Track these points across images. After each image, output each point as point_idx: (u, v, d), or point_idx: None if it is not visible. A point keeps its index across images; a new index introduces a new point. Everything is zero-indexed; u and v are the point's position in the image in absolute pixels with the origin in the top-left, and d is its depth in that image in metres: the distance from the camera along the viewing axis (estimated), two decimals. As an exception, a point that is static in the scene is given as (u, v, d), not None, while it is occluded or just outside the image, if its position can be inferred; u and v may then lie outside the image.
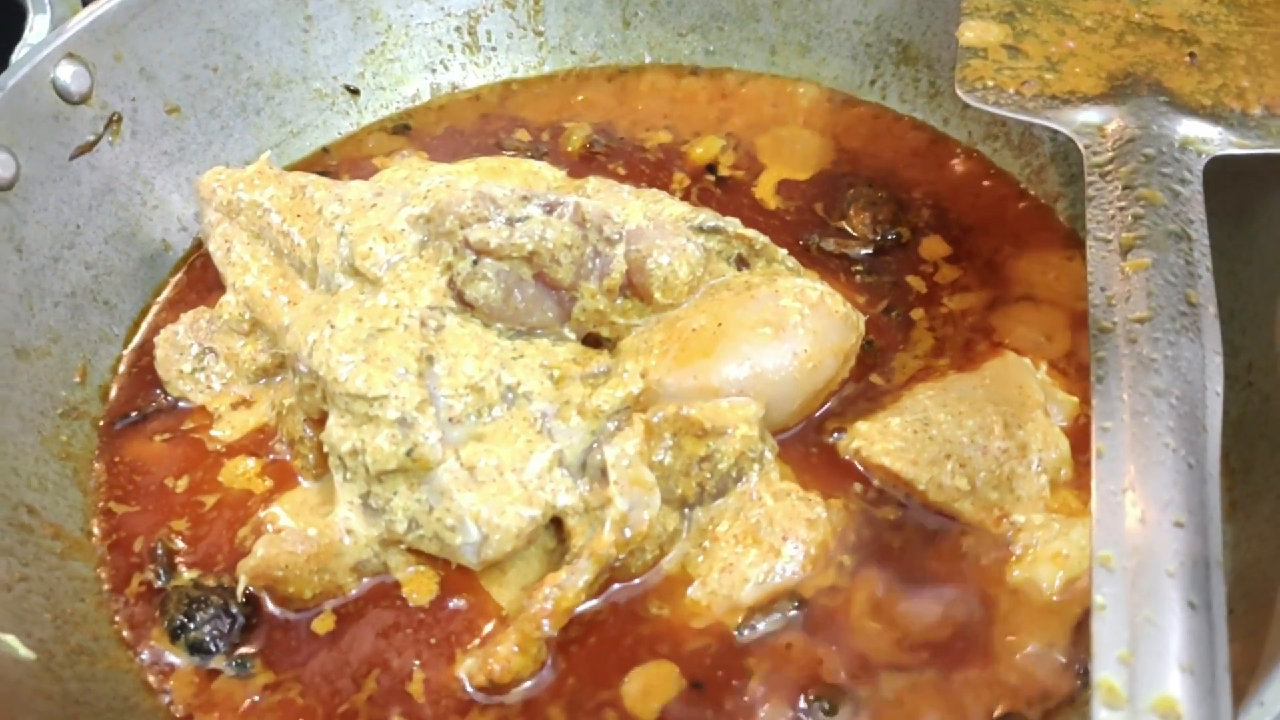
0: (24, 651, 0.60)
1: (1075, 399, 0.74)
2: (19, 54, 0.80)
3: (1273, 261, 0.70)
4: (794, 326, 0.71)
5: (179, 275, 0.86)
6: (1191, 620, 0.48)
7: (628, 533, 0.64)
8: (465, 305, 0.70)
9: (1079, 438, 0.71)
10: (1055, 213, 0.85)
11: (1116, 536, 0.50)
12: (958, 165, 0.90)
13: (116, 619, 0.67)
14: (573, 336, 0.72)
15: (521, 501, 0.65)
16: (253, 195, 0.78)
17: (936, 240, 0.83)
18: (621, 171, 0.90)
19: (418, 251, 0.71)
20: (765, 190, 0.87)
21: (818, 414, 0.74)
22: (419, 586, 0.68)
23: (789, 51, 0.97)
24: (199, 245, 0.85)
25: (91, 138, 0.82)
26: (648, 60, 0.99)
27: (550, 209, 0.71)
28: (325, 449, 0.68)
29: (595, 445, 0.67)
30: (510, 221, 0.70)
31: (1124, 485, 0.52)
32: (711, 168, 0.90)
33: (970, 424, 0.71)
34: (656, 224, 0.74)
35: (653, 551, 0.67)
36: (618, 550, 0.64)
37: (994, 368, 0.75)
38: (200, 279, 0.85)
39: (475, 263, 0.70)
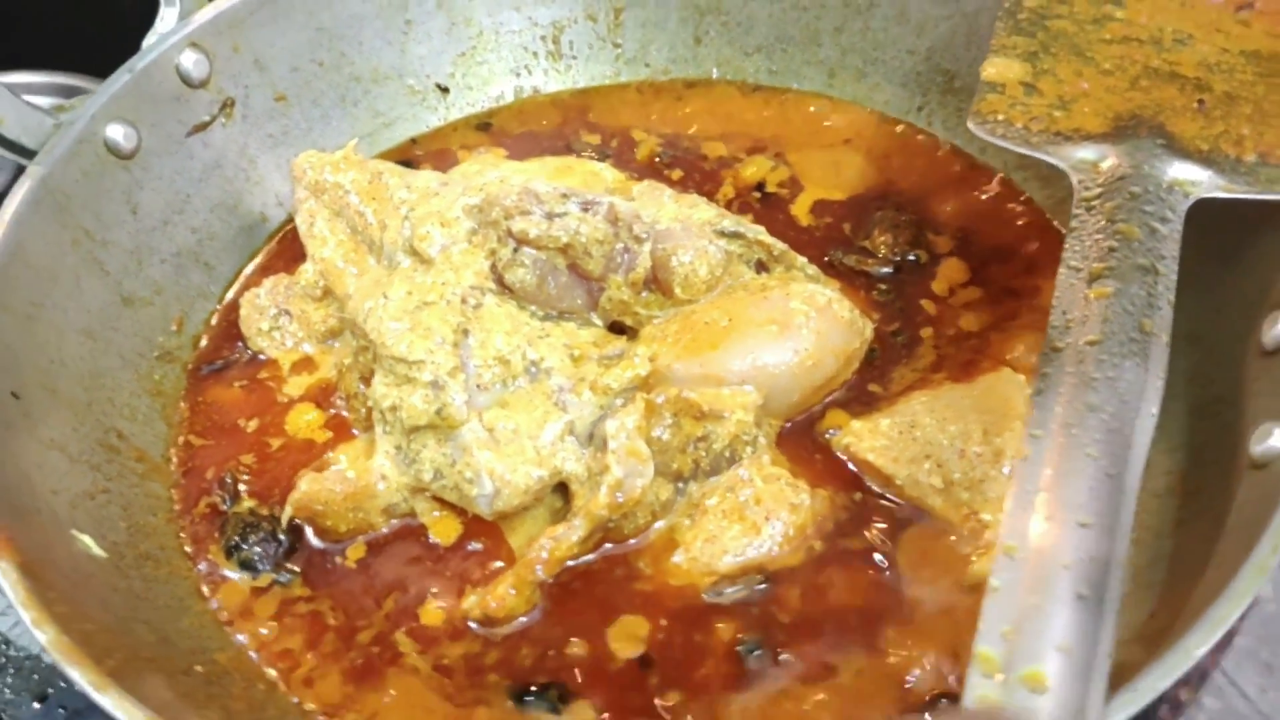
0: (98, 551, 0.70)
1: None
2: (149, 41, 0.91)
3: (1253, 300, 0.74)
4: (798, 326, 0.78)
5: (271, 244, 0.96)
6: (1078, 609, 0.53)
7: (620, 497, 0.72)
8: (504, 288, 0.79)
9: None
10: (1075, 243, 0.90)
11: (1021, 530, 0.56)
12: (988, 193, 0.94)
13: (181, 534, 0.78)
14: (599, 323, 0.80)
15: (533, 463, 0.74)
16: (336, 178, 0.88)
17: (956, 264, 0.89)
18: (676, 178, 0.97)
19: (468, 237, 0.80)
20: (801, 208, 0.94)
21: (818, 409, 0.80)
22: (442, 530, 0.77)
23: (846, 75, 1.03)
24: (290, 219, 0.95)
25: (207, 118, 0.93)
26: (715, 76, 1.07)
27: (586, 207, 0.79)
28: (369, 404, 0.77)
29: (602, 419, 0.75)
30: (549, 216, 0.78)
31: (1039, 486, 0.58)
32: (760, 185, 0.96)
33: (952, 429, 0.76)
34: (684, 226, 0.82)
35: (645, 517, 0.74)
36: (610, 512, 0.72)
37: (986, 381, 0.81)
38: (288, 249, 0.95)
39: (515, 250, 0.78)
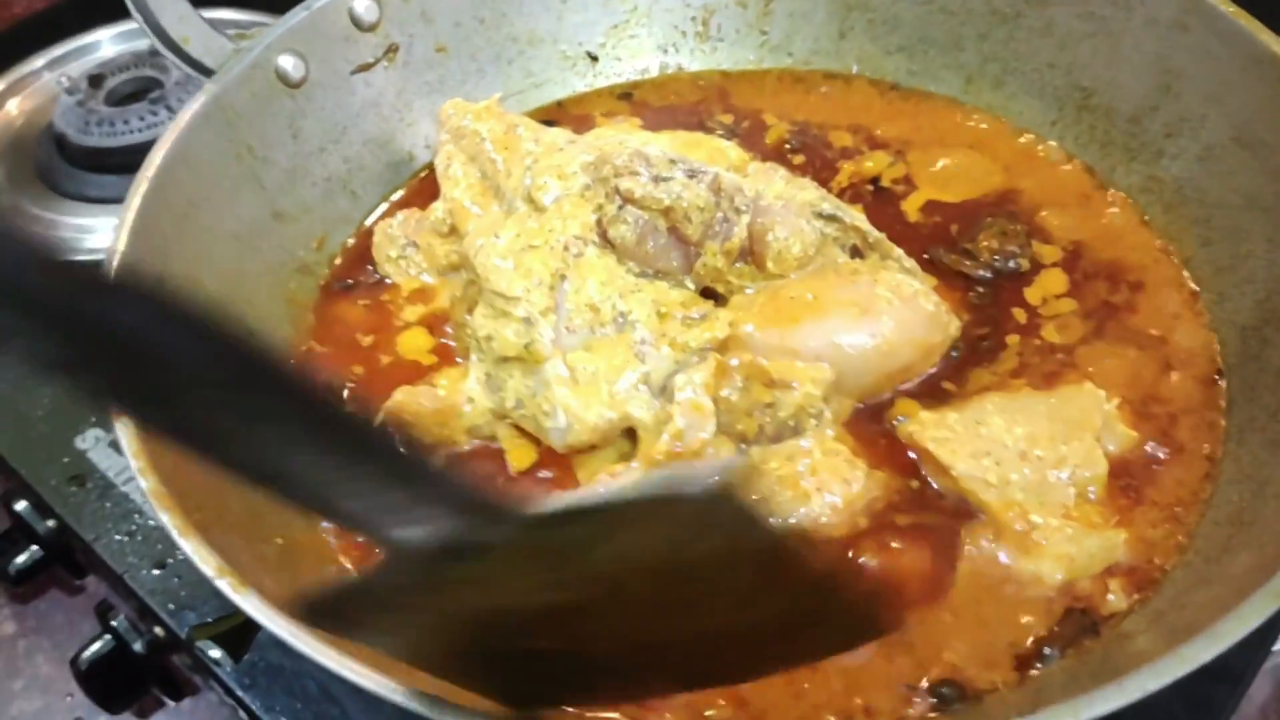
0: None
1: (1134, 434, 0.79)
2: (327, -15, 1.00)
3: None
4: (880, 312, 0.81)
5: (413, 182, 1.04)
6: None
7: (678, 447, 0.76)
8: (606, 242, 0.84)
9: (1122, 469, 0.78)
10: (1184, 273, 0.89)
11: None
12: (1108, 214, 0.95)
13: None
14: (691, 286, 0.84)
15: (605, 405, 0.79)
16: (476, 125, 0.95)
17: (1057, 276, 0.89)
18: (797, 163, 1.01)
19: (581, 192, 0.85)
20: (912, 205, 0.96)
21: (890, 396, 0.83)
22: (519, 455, 0.82)
23: (983, 83, 1.04)
24: (432, 162, 1.03)
25: (371, 60, 1.02)
26: (854, 70, 1.09)
27: (692, 174, 0.83)
28: (469, 332, 0.84)
29: (675, 373, 0.79)
30: (656, 179, 0.83)
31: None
32: (875, 179, 0.99)
33: (1019, 431, 0.78)
34: (785, 204, 0.85)
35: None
36: (666, 459, 0.76)
37: (1066, 392, 0.81)
38: (427, 188, 1.02)
39: (621, 208, 0.83)
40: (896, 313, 0.81)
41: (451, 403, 0.82)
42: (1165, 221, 0.92)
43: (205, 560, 0.63)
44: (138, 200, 0.81)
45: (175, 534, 0.64)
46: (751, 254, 0.84)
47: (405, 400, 0.82)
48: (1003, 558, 0.74)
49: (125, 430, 0.69)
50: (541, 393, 0.79)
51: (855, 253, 0.86)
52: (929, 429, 0.79)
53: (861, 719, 0.69)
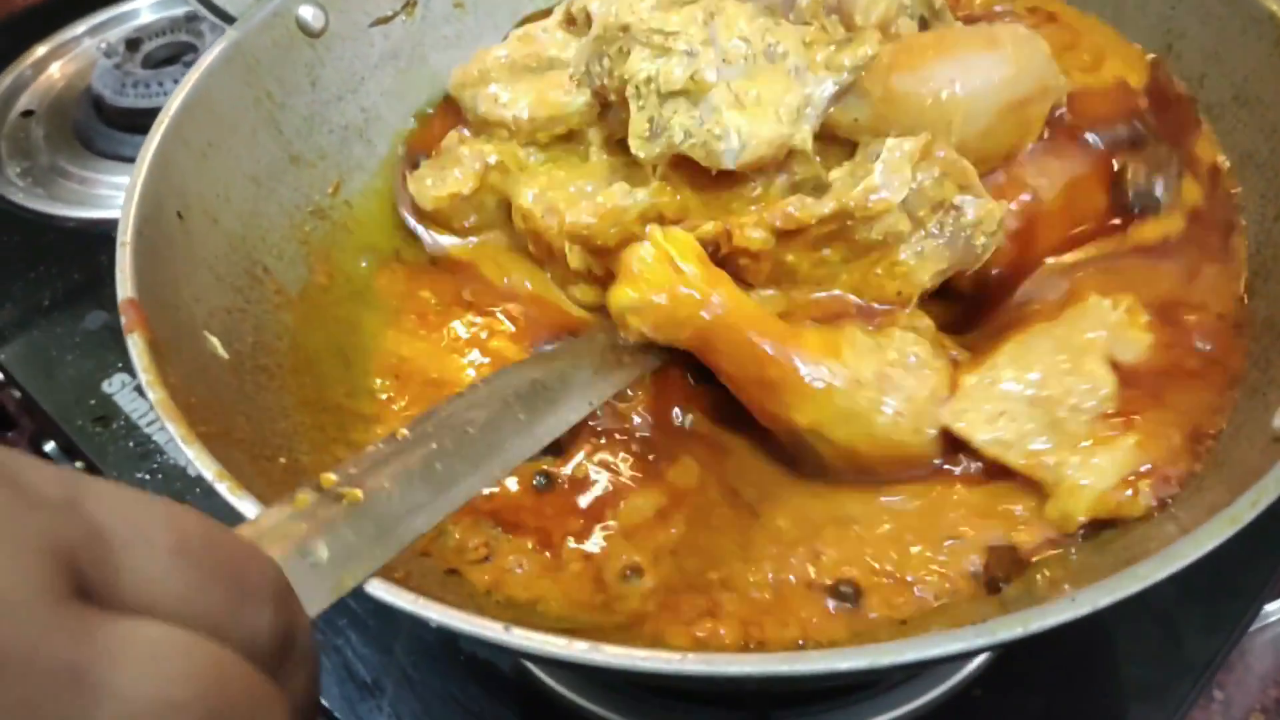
0: (222, 352, 0.81)
1: (1149, 336, 0.80)
2: (346, -61, 1.03)
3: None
4: (1004, 42, 0.83)
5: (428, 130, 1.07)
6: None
7: (870, 200, 0.78)
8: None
9: (1136, 375, 0.78)
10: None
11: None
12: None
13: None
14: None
15: (775, 121, 0.81)
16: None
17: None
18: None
19: None
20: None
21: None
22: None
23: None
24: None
25: (389, 13, 1.05)
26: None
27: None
28: (624, 80, 0.83)
29: (838, 95, 0.82)
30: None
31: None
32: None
33: (1031, 377, 0.78)
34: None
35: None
36: (856, 209, 0.79)
37: (1071, 315, 0.81)
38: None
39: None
40: (1019, 45, 0.83)
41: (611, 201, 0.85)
42: (1163, 177, 0.93)
43: (206, 465, 0.66)
44: (158, 138, 0.85)
45: (180, 441, 0.67)
46: (839, 11, 0.87)
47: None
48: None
49: (135, 346, 0.72)
50: (710, 119, 0.81)
51: (923, 24, 0.89)
52: (949, 405, 0.79)
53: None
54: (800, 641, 0.73)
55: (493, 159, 0.94)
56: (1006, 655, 0.95)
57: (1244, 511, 0.61)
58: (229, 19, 0.95)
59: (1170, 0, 0.95)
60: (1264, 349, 0.79)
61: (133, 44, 1.52)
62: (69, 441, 1.16)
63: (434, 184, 0.96)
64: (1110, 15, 0.99)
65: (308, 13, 0.98)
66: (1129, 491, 0.73)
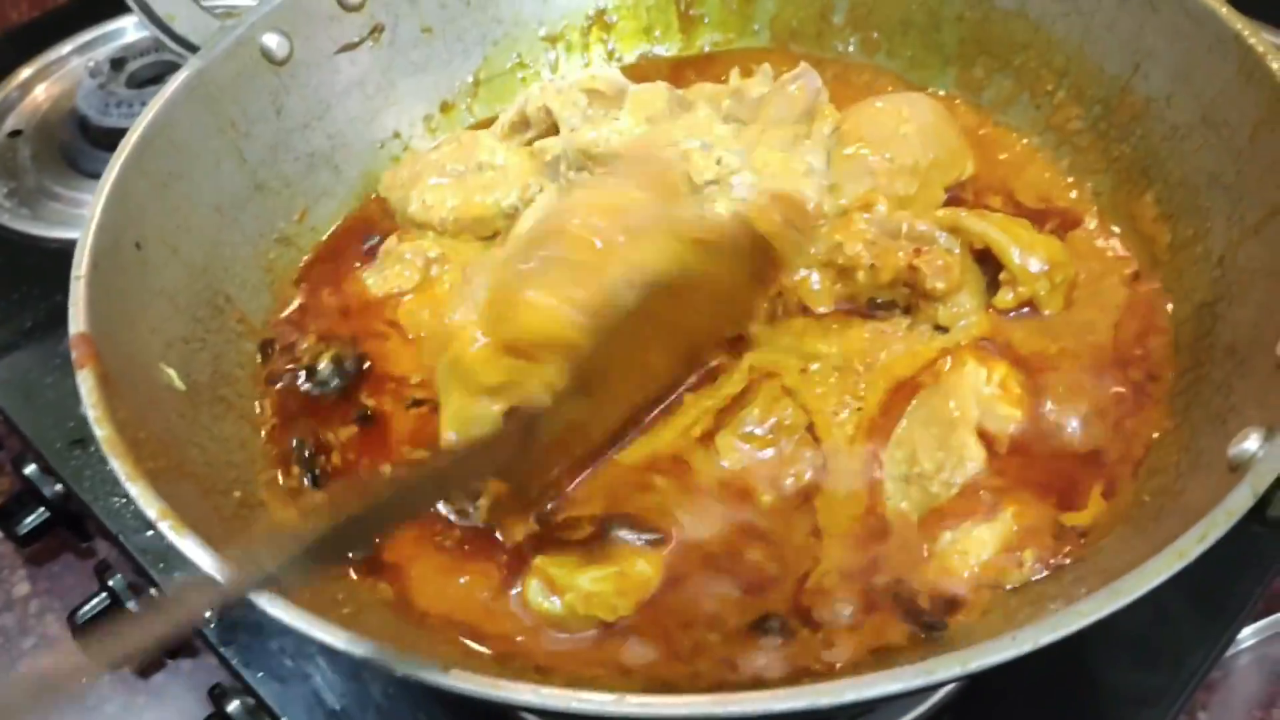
0: (179, 384, 0.82)
1: (1018, 412, 0.80)
2: (314, -34, 1.03)
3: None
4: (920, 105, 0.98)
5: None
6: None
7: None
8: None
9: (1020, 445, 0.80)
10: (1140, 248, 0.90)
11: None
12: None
13: (260, 388, 0.89)
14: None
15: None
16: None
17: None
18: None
19: None
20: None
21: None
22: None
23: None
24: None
25: (356, 39, 1.05)
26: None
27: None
28: None
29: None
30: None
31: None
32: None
33: (911, 446, 0.80)
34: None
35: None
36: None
37: (948, 384, 0.82)
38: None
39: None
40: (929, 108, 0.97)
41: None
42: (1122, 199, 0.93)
43: (149, 504, 0.66)
44: (115, 170, 0.85)
45: (123, 479, 0.67)
46: None
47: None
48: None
49: (84, 382, 0.72)
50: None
51: None
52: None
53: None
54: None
55: (433, 253, 0.96)
56: (977, 681, 0.94)
57: (1191, 546, 0.60)
58: (192, 48, 0.95)
59: (1138, 18, 0.94)
60: (1226, 375, 0.78)
61: (117, 63, 1.52)
62: (49, 465, 1.17)
63: (376, 284, 0.97)
64: (1079, 34, 0.98)
65: (272, 41, 0.98)
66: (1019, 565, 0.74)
